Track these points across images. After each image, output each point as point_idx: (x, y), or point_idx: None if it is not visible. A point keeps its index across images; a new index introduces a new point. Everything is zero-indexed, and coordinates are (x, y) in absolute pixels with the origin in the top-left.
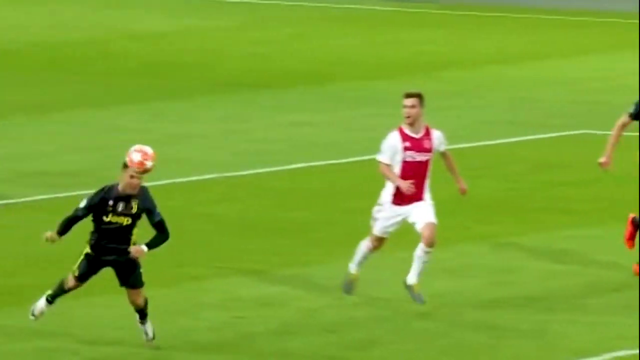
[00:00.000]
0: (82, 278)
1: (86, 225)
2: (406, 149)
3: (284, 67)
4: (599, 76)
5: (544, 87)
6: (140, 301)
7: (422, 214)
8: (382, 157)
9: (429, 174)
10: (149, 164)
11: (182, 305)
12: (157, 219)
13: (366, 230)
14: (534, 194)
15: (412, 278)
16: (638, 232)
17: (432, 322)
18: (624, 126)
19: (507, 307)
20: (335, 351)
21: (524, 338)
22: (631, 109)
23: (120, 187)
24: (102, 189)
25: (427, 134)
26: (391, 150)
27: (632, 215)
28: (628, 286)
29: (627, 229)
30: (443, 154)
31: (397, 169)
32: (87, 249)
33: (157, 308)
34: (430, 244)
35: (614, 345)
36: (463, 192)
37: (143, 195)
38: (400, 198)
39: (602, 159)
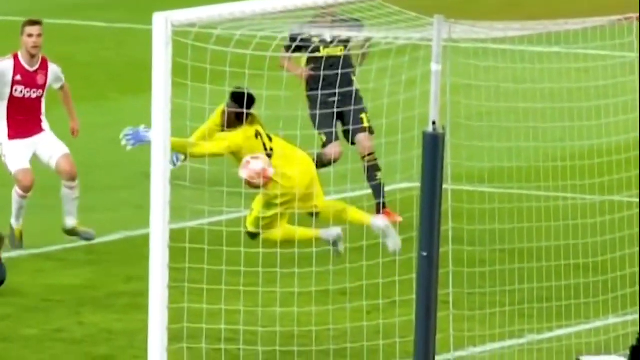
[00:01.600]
0: None
1: None
2: (17, 82)
3: None
4: None
5: None
6: None
7: (52, 148)
8: None
9: (43, 109)
10: None
11: None
12: None
13: None
14: None
15: (70, 221)
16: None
17: None
18: None
19: None
20: None
21: None
22: None
23: None
24: None
25: (44, 67)
26: None
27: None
28: None
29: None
30: (61, 89)
31: (4, 103)
32: None
33: None
34: (72, 177)
35: None
36: (74, 132)
37: None
38: (15, 131)
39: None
